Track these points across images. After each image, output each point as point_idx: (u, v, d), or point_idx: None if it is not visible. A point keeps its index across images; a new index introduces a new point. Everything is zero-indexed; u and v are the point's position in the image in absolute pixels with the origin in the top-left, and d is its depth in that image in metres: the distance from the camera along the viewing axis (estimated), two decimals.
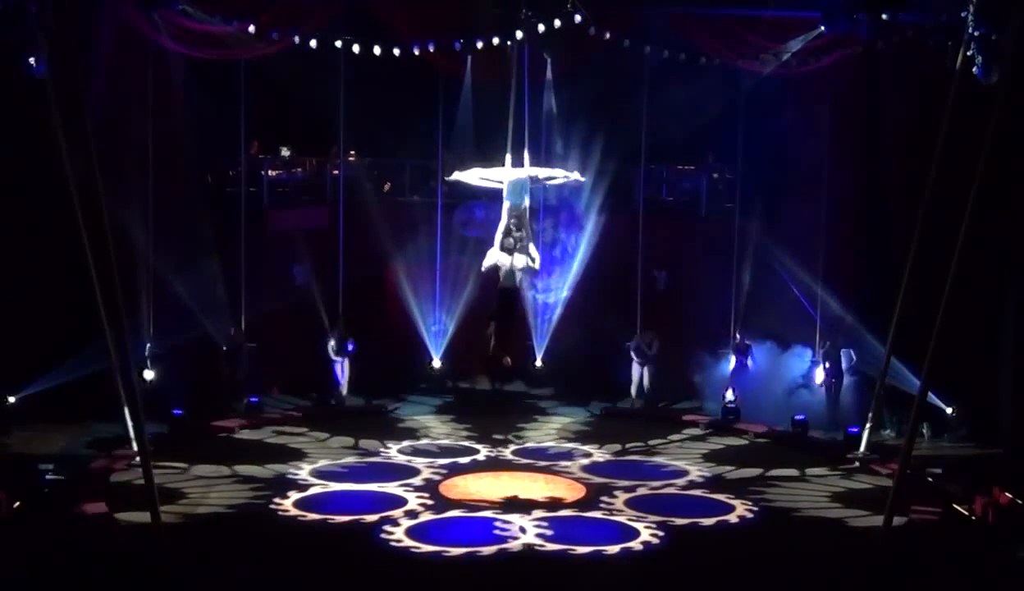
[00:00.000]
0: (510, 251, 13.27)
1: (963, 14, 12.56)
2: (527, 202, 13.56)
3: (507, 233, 13.33)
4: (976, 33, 12.30)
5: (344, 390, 18.81)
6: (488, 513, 13.35)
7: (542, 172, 14.36)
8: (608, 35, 17.14)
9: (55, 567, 10.84)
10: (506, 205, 13.53)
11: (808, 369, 18.85)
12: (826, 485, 14.86)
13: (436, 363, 20.06)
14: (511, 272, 13.36)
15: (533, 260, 13.45)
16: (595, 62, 18.60)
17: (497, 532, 12.58)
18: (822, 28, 15.73)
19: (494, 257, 13.39)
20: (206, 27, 16.02)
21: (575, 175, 15.15)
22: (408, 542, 12.17)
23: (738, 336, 19.11)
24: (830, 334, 18.62)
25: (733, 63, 17.71)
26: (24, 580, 10.55)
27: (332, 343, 18.67)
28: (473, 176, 14.01)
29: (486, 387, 20.13)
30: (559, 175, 14.91)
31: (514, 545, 12.18)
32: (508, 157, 13.86)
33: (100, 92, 15.58)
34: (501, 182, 13.69)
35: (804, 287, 19.11)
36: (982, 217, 11.58)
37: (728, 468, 15.61)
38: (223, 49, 16.67)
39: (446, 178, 14.38)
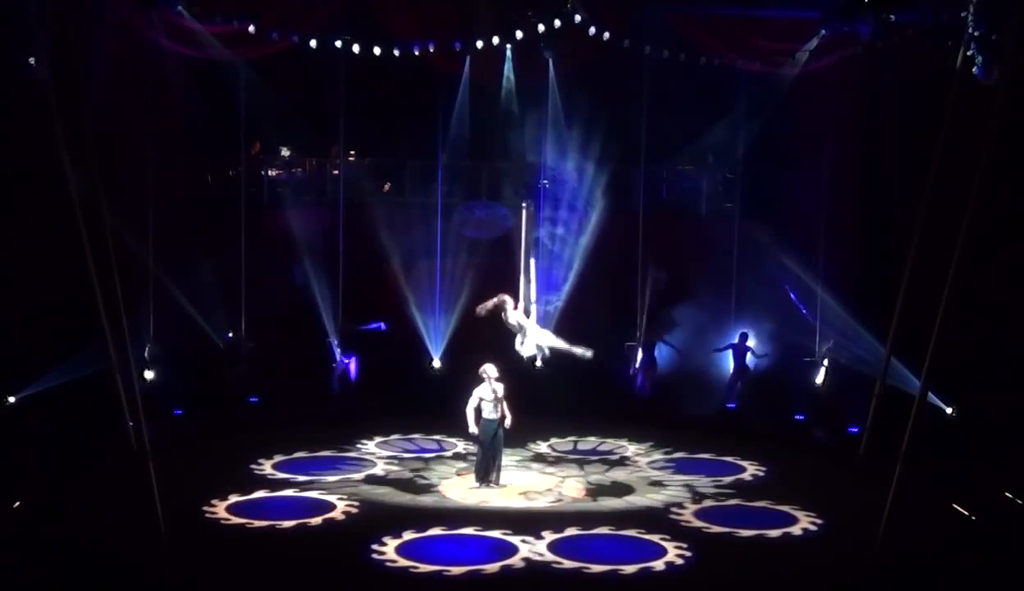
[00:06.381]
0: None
1: (963, 14, 12.54)
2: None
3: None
4: (976, 33, 12.28)
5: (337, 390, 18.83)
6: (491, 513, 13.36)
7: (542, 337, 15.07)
8: (608, 35, 17.14)
9: (55, 568, 10.82)
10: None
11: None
12: (825, 485, 14.84)
13: (436, 363, 20.07)
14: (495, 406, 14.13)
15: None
16: (596, 62, 18.61)
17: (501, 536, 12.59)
18: (822, 29, 15.74)
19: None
20: (206, 27, 16.03)
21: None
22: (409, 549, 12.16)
23: (738, 336, 19.11)
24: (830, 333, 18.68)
25: (733, 63, 17.71)
26: (24, 580, 10.55)
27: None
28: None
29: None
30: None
31: (518, 547, 12.20)
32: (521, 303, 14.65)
33: (100, 92, 15.58)
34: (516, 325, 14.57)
35: (803, 287, 19.13)
36: (982, 217, 11.58)
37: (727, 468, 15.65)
38: (222, 49, 16.68)
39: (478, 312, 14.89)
